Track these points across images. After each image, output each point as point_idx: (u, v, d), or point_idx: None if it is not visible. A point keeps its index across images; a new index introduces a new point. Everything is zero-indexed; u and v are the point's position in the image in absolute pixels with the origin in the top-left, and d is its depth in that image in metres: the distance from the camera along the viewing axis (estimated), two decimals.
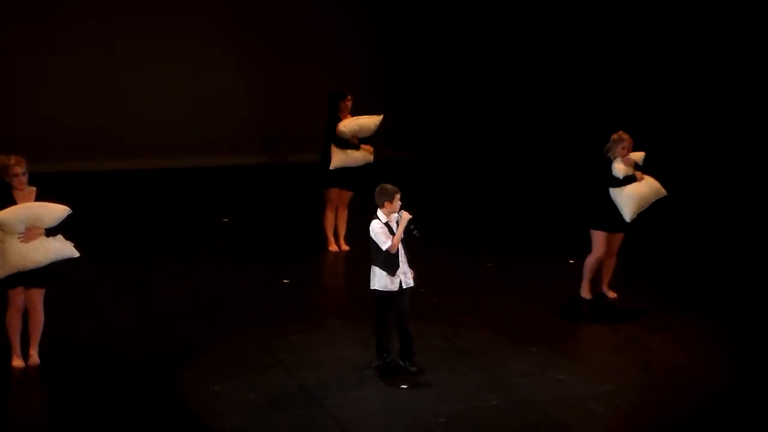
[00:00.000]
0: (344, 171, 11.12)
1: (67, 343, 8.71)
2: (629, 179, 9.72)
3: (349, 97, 11.22)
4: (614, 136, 9.82)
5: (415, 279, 8.29)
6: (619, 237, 10.01)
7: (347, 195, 11.34)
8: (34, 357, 8.23)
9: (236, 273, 10.89)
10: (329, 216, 11.37)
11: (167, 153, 15.86)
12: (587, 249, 12.04)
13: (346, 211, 11.42)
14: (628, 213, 9.73)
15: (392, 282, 8.15)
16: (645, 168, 9.88)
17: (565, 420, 7.53)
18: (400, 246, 8.14)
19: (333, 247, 11.43)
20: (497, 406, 7.71)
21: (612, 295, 10.15)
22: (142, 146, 15.79)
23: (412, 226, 8.11)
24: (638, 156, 9.88)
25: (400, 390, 7.92)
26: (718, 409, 7.88)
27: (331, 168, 11.02)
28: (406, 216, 8.12)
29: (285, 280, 10.72)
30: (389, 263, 8.13)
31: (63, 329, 8.99)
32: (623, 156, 9.74)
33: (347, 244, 11.50)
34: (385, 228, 8.10)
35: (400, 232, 8.11)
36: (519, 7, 17.48)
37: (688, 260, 11.77)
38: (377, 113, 11.24)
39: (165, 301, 9.94)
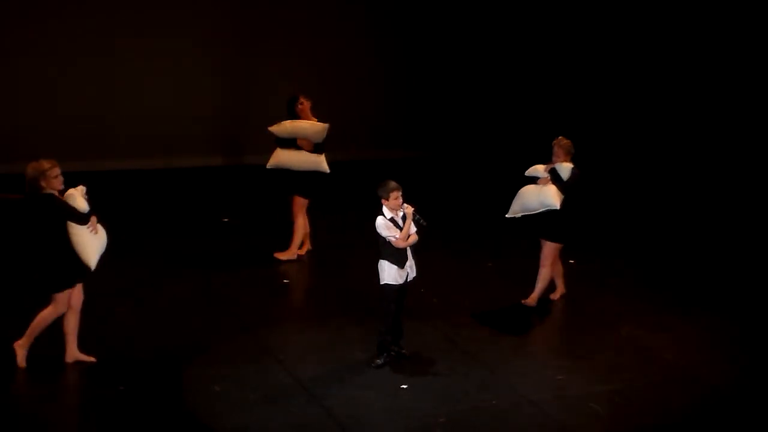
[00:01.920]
0: (293, 177, 10.98)
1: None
2: (530, 179, 9.65)
3: (301, 100, 11.08)
4: (554, 141, 9.69)
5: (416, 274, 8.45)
6: (547, 245, 9.70)
7: (300, 201, 11.14)
8: (83, 354, 8.34)
9: (236, 273, 10.88)
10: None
11: (167, 153, 15.86)
12: (588, 249, 12.10)
13: (303, 219, 11.19)
14: (510, 209, 9.76)
15: (401, 275, 8.29)
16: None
17: (565, 420, 7.53)
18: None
19: (302, 251, 11.33)
20: (497, 406, 7.72)
21: (552, 296, 10.06)
22: (143, 146, 15.80)
23: (417, 217, 8.26)
24: (562, 166, 9.55)
25: (400, 390, 7.93)
26: (718, 408, 7.89)
27: (267, 166, 10.98)
28: (409, 210, 8.25)
29: (285, 280, 10.72)
30: (399, 256, 8.27)
31: (63, 329, 9.00)
32: (555, 161, 9.58)
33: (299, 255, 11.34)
34: (389, 223, 8.23)
35: (407, 228, 8.22)
36: (519, 7, 17.49)
37: (688, 260, 11.77)
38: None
39: (165, 301, 9.93)
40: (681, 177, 15.36)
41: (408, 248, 8.34)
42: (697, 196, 14.58)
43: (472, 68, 17.63)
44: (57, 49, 15.40)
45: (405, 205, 8.27)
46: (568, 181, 9.47)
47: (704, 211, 13.88)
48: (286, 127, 10.87)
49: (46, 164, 8.02)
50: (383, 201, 8.26)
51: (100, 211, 13.15)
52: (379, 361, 8.36)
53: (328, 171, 10.92)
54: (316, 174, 10.95)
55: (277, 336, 9.13)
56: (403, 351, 8.50)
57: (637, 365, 8.58)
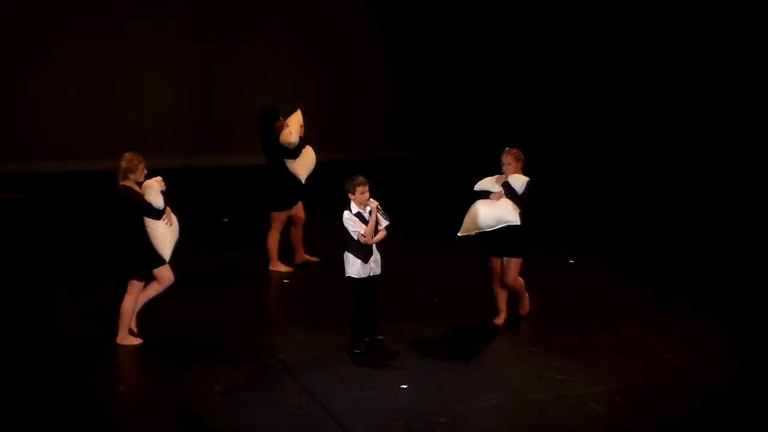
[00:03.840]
0: (289, 187, 10.60)
1: (67, 342, 8.71)
2: (482, 194, 9.09)
3: (280, 119, 10.57)
4: (502, 153, 9.14)
5: (381, 267, 8.59)
6: (512, 263, 9.15)
7: (299, 208, 10.78)
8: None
9: (236, 273, 10.88)
10: (276, 236, 10.75)
11: (167, 153, 15.86)
12: (588, 249, 12.09)
13: (301, 229, 10.87)
14: (462, 227, 9.16)
15: (364, 269, 8.44)
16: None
17: (565, 420, 7.53)
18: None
19: (275, 267, 10.86)
20: (497, 406, 7.72)
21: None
22: (141, 146, 15.75)
23: (381, 212, 8.43)
24: (516, 179, 9.03)
25: (400, 390, 7.92)
26: (719, 408, 7.88)
27: (304, 182, 10.50)
28: (374, 204, 8.41)
29: (285, 280, 10.72)
30: (363, 250, 8.44)
31: (63, 329, 9.00)
32: (507, 172, 9.06)
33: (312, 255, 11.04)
34: (355, 218, 8.40)
35: (372, 223, 8.39)
36: (518, 7, 17.48)
37: (688, 260, 11.76)
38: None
39: (165, 301, 9.91)
40: (681, 177, 15.36)
41: (374, 244, 8.47)
42: (698, 195, 14.57)
43: (472, 67, 17.62)
44: (55, 51, 15.42)
45: (371, 200, 8.41)
46: (523, 194, 9.00)
47: (704, 211, 13.87)
48: (295, 133, 10.42)
49: (136, 158, 8.43)
50: (350, 195, 8.40)
51: (98, 211, 13.20)
52: (357, 350, 8.53)
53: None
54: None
55: (277, 336, 9.13)
56: (379, 337, 8.70)
57: (637, 365, 8.58)
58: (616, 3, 16.67)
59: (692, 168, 15.36)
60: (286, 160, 10.49)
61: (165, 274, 8.62)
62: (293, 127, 10.46)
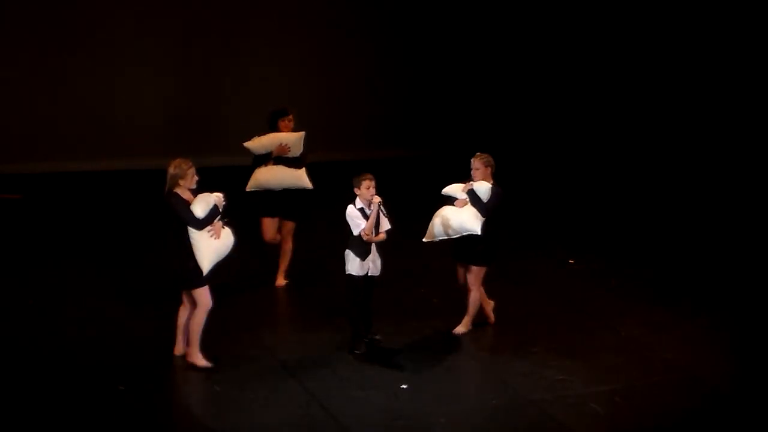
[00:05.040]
0: (277, 198, 10.17)
1: (67, 343, 8.71)
2: (449, 199, 8.96)
3: (290, 116, 10.15)
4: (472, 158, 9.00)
5: (382, 269, 8.60)
6: (473, 270, 8.95)
7: (288, 225, 10.35)
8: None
9: (236, 273, 10.86)
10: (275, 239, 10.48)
11: (167, 153, 15.84)
12: (588, 249, 12.10)
13: (291, 243, 10.38)
14: (428, 233, 8.98)
15: (362, 267, 8.50)
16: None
17: (565, 420, 7.53)
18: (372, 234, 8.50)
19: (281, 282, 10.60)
20: (497, 406, 7.72)
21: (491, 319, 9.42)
22: (139, 146, 15.80)
23: (381, 208, 8.44)
24: (480, 186, 8.84)
25: (400, 390, 7.93)
26: (719, 408, 7.89)
27: (246, 189, 10.08)
28: (375, 200, 8.44)
29: (285, 281, 10.70)
30: (361, 248, 8.47)
31: (63, 330, 9.00)
32: (475, 177, 8.91)
33: (287, 278, 10.54)
34: (359, 213, 8.44)
35: (372, 219, 8.42)
36: (519, 6, 17.49)
37: (688, 260, 11.77)
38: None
39: (164, 301, 9.91)
40: (681, 176, 15.37)
41: (374, 244, 8.50)
42: (698, 195, 14.58)
43: (472, 68, 17.63)
44: (54, 51, 15.42)
45: (375, 196, 8.45)
46: (488, 201, 8.82)
47: (704, 211, 13.88)
48: (263, 141, 10.09)
49: (185, 164, 8.14)
50: (356, 190, 8.46)
51: (100, 211, 13.22)
52: (357, 351, 8.57)
53: (311, 187, 10.09)
54: (299, 192, 10.18)
55: (277, 336, 9.13)
56: (377, 337, 8.72)
57: (637, 365, 8.58)
58: (617, 3, 16.68)
59: (692, 168, 15.37)
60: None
61: (201, 296, 8.24)
62: (263, 139, 10.10)
